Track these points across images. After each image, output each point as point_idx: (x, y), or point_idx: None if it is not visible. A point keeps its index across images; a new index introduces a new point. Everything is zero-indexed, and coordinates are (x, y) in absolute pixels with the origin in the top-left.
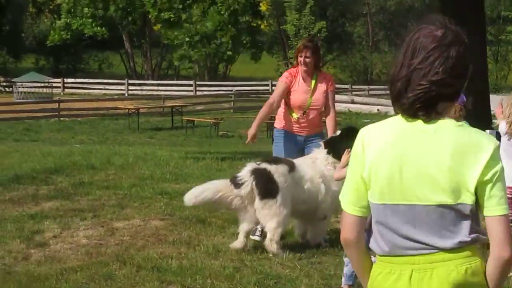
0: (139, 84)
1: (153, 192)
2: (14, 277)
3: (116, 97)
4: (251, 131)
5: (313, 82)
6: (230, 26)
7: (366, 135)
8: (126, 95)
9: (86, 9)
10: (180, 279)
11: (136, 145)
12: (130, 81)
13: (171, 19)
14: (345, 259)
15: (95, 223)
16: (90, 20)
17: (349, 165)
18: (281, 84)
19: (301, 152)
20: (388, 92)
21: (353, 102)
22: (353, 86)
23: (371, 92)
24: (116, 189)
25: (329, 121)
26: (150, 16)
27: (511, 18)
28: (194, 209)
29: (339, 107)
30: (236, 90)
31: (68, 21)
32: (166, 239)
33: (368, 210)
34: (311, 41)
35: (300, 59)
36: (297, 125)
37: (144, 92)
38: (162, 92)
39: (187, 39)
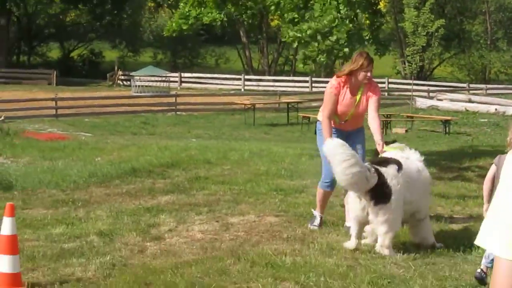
0: (256, 80)
1: (268, 188)
2: (130, 269)
3: (232, 92)
4: None
5: (359, 93)
6: (348, 21)
7: None
8: (243, 90)
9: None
10: (293, 276)
11: (252, 141)
12: (246, 77)
13: (296, 20)
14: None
15: (210, 218)
16: (209, 8)
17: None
18: (331, 96)
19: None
20: (507, 91)
21: (470, 101)
22: (471, 85)
23: (488, 92)
24: (231, 185)
25: (373, 122)
26: (272, 16)
27: None
28: (308, 206)
29: (457, 105)
30: None
31: (186, 10)
32: (280, 235)
33: None
34: (369, 55)
35: (365, 73)
36: (339, 125)
37: (261, 88)
38: (278, 88)
39: (298, 35)
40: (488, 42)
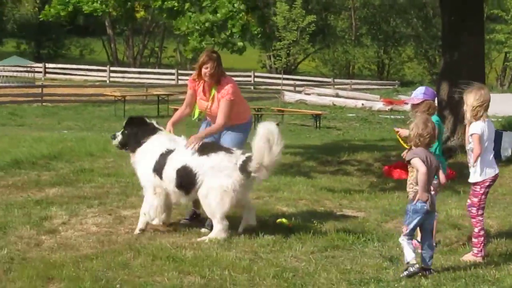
0: (121, 72)
1: None
2: (30, 264)
3: (97, 83)
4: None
5: (212, 93)
6: (242, 15)
7: None
8: (108, 82)
9: None
10: (197, 270)
11: None
12: (112, 68)
13: (175, 8)
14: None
15: (102, 210)
16: None
17: None
18: (188, 90)
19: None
20: (371, 86)
21: (337, 95)
22: (335, 80)
23: (353, 87)
24: (118, 177)
25: (211, 126)
26: (152, 6)
27: (494, 17)
28: None
29: (324, 100)
30: None
31: None
32: (176, 228)
33: None
34: (215, 53)
35: (205, 70)
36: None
37: (126, 80)
38: (144, 81)
39: (197, 26)
40: (352, 37)
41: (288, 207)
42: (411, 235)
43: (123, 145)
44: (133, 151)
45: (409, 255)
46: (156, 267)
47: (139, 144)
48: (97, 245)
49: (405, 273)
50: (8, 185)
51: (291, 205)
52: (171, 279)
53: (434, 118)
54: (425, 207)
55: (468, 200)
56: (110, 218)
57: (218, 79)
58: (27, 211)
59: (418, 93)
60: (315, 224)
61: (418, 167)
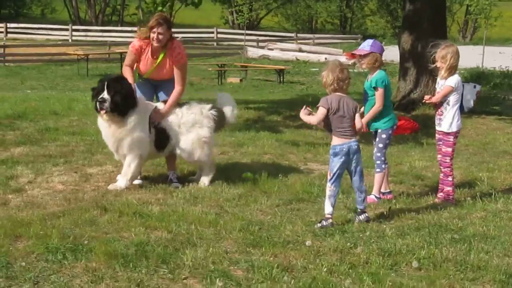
0: (83, 30)
1: None
2: None
3: (60, 42)
4: None
5: (161, 57)
6: None
7: None
8: (70, 41)
9: None
10: (164, 225)
11: (89, 92)
12: (74, 27)
13: None
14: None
15: (67, 169)
16: None
17: None
18: (130, 52)
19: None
20: (334, 41)
21: (300, 50)
22: (298, 35)
23: (316, 41)
24: (83, 135)
25: (172, 95)
26: None
27: None
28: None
29: (287, 55)
30: (182, 37)
31: None
32: (141, 185)
33: None
34: (164, 18)
35: (153, 35)
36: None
37: (88, 38)
38: (107, 39)
39: None
40: None
41: (253, 162)
42: (336, 181)
43: None
44: None
45: (328, 208)
46: (123, 223)
47: None
48: (64, 203)
49: (318, 225)
50: None
51: (255, 159)
52: (138, 235)
53: (381, 73)
54: (344, 149)
55: (439, 153)
56: (76, 176)
57: (166, 43)
58: None
59: (366, 45)
60: (280, 178)
61: (317, 114)
